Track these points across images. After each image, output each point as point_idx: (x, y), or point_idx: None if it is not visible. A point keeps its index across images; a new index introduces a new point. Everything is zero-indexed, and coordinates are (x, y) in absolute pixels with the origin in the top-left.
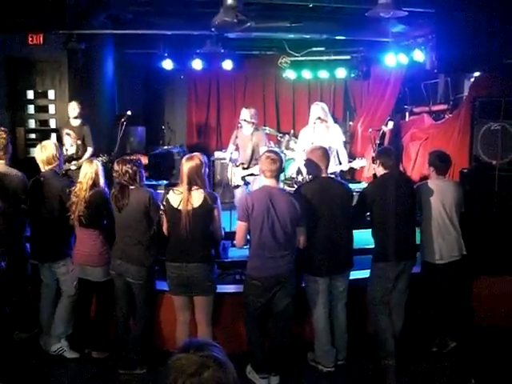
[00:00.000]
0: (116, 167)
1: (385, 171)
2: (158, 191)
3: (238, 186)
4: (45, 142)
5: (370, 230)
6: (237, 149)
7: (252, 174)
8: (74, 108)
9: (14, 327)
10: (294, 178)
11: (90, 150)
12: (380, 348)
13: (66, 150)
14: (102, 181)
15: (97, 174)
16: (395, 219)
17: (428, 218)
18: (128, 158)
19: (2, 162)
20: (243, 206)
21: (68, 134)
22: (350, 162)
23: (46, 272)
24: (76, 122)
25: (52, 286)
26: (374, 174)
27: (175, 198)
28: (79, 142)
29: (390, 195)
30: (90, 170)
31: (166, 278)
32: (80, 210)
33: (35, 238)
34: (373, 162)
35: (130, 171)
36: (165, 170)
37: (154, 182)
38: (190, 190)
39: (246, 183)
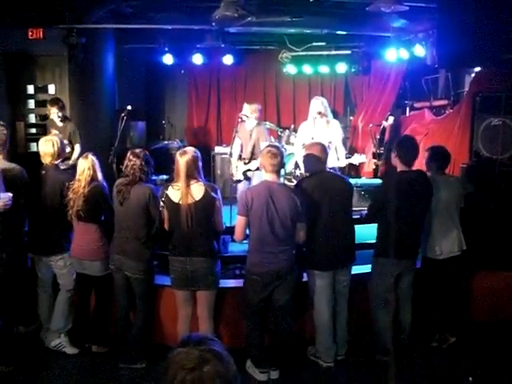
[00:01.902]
0: (135, 160)
1: (403, 167)
2: (159, 186)
3: (239, 181)
4: (52, 137)
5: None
6: (241, 143)
7: (249, 170)
8: (56, 114)
9: (14, 321)
10: (292, 173)
11: (77, 147)
12: (376, 342)
13: None
14: (99, 174)
15: (94, 169)
16: (405, 219)
17: (428, 214)
18: (141, 152)
19: (0, 156)
20: (243, 200)
21: (56, 135)
22: (348, 157)
23: (42, 266)
24: (61, 124)
25: (48, 280)
26: (375, 169)
27: (175, 193)
28: (66, 142)
29: (405, 196)
30: (86, 166)
31: (170, 272)
32: (78, 204)
33: (33, 230)
34: (373, 157)
35: (143, 166)
36: (165, 164)
37: (154, 177)
38: (188, 184)
39: (247, 178)
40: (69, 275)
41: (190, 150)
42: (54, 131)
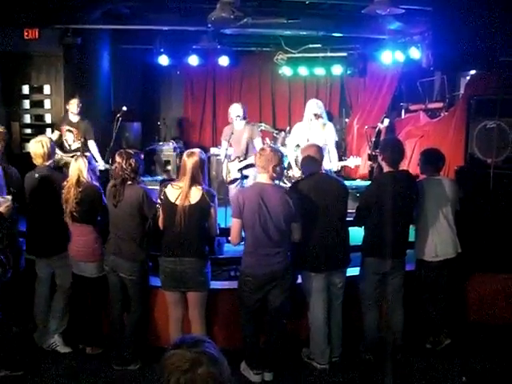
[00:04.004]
0: (118, 160)
1: (388, 168)
2: (152, 187)
3: (234, 181)
4: (42, 138)
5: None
6: (230, 145)
7: (250, 165)
8: (77, 105)
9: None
10: (284, 173)
11: (92, 143)
12: (362, 341)
13: (69, 145)
14: (85, 175)
15: (80, 170)
16: (391, 219)
17: (423, 216)
18: (130, 151)
19: None
20: (235, 203)
21: (70, 131)
22: (344, 160)
23: (42, 267)
24: (75, 118)
25: (47, 280)
26: (370, 171)
27: (173, 192)
28: (82, 140)
29: (390, 196)
30: (74, 167)
31: (159, 272)
32: (72, 205)
33: (32, 233)
34: (369, 159)
35: (133, 165)
36: (160, 165)
37: (149, 178)
38: (191, 185)
39: (244, 176)
40: (67, 275)
41: (197, 151)
42: (67, 127)
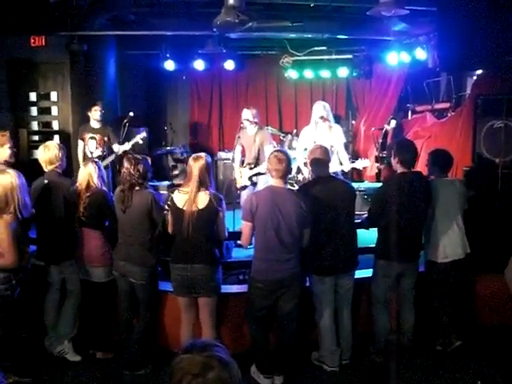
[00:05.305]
0: (127, 165)
1: (403, 169)
2: (163, 192)
3: (245, 187)
4: (48, 143)
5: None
6: (242, 149)
7: (259, 173)
8: (100, 111)
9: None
10: (294, 177)
11: (117, 146)
12: (373, 343)
13: (91, 152)
14: (95, 181)
15: (90, 175)
16: (405, 221)
17: (432, 217)
18: (138, 156)
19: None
20: (248, 205)
21: (93, 138)
22: (352, 162)
23: (53, 273)
24: (98, 125)
25: (58, 286)
26: (377, 173)
27: (181, 197)
28: (108, 144)
29: (403, 198)
30: (85, 172)
31: (171, 278)
32: (80, 210)
33: (42, 239)
34: (376, 161)
35: (141, 171)
36: (167, 170)
37: (156, 183)
38: (198, 190)
39: (254, 183)
40: (77, 281)
41: (204, 155)
42: (91, 135)
